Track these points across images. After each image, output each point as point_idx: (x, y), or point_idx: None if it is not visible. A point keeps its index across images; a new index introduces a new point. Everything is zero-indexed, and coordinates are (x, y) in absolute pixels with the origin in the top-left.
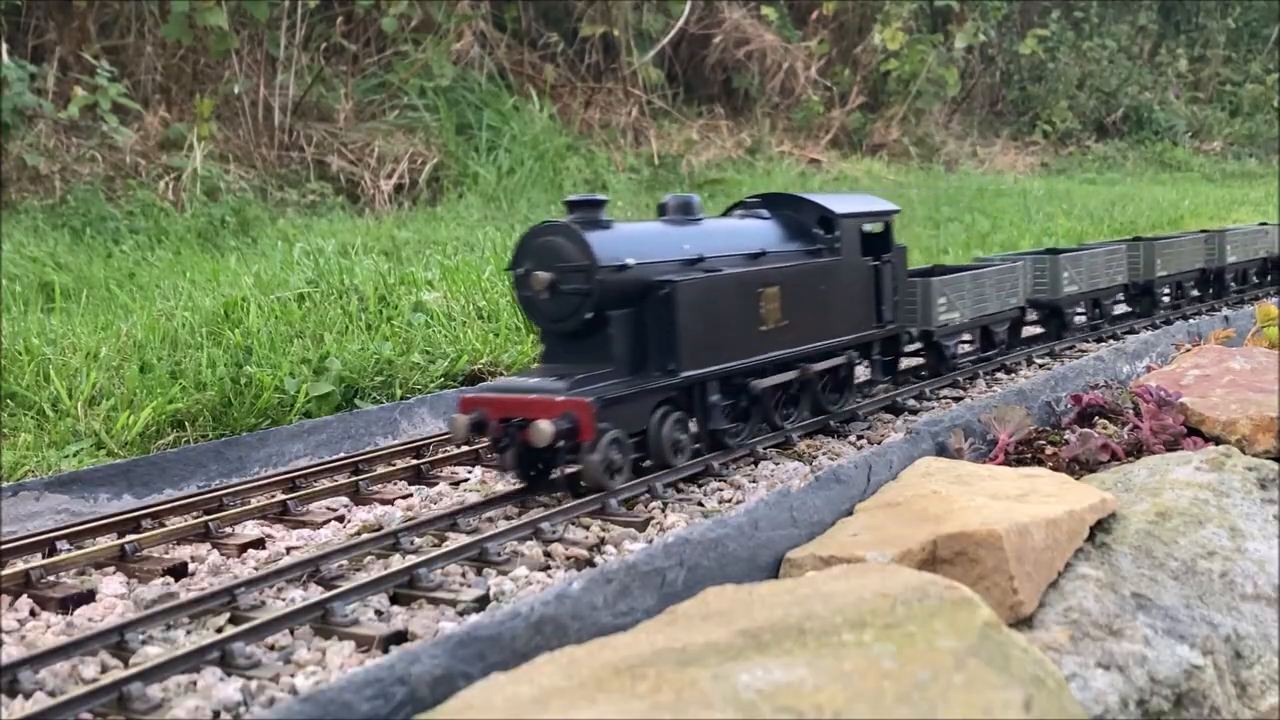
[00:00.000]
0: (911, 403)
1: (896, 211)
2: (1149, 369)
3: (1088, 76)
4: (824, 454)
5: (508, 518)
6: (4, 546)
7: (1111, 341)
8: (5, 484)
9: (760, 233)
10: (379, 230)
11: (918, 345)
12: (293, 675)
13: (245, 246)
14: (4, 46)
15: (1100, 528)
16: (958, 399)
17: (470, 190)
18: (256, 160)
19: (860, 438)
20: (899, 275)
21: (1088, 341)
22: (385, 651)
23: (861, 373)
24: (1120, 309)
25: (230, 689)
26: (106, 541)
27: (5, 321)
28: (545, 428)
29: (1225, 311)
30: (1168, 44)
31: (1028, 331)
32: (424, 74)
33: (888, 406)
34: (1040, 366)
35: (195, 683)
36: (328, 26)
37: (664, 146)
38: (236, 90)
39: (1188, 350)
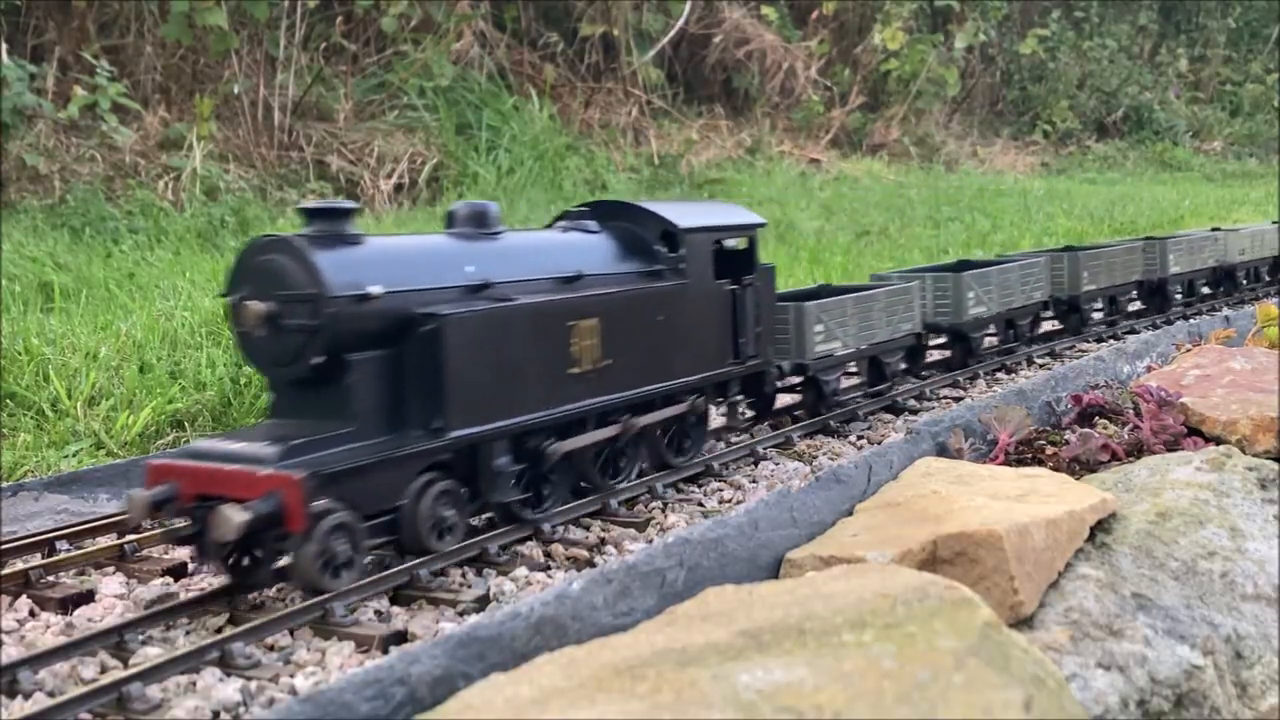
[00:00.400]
0: (912, 403)
1: (760, 225)
2: (1149, 369)
3: (1088, 76)
4: (824, 454)
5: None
6: (4, 546)
7: (1112, 342)
8: (5, 484)
9: (581, 250)
10: (379, 230)
11: (796, 381)
12: (292, 676)
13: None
14: (4, 46)
15: (1100, 528)
16: (958, 399)
17: (470, 190)
18: (256, 160)
19: (860, 438)
20: (764, 301)
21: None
22: (385, 652)
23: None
24: (1048, 325)
25: (230, 689)
26: (106, 541)
27: (5, 321)
28: (232, 517)
29: (1226, 311)
30: (1168, 44)
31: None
32: (424, 74)
33: (888, 406)
34: (1041, 366)
35: (195, 683)
36: (327, 26)
37: (664, 146)
38: (236, 90)
39: (1188, 350)
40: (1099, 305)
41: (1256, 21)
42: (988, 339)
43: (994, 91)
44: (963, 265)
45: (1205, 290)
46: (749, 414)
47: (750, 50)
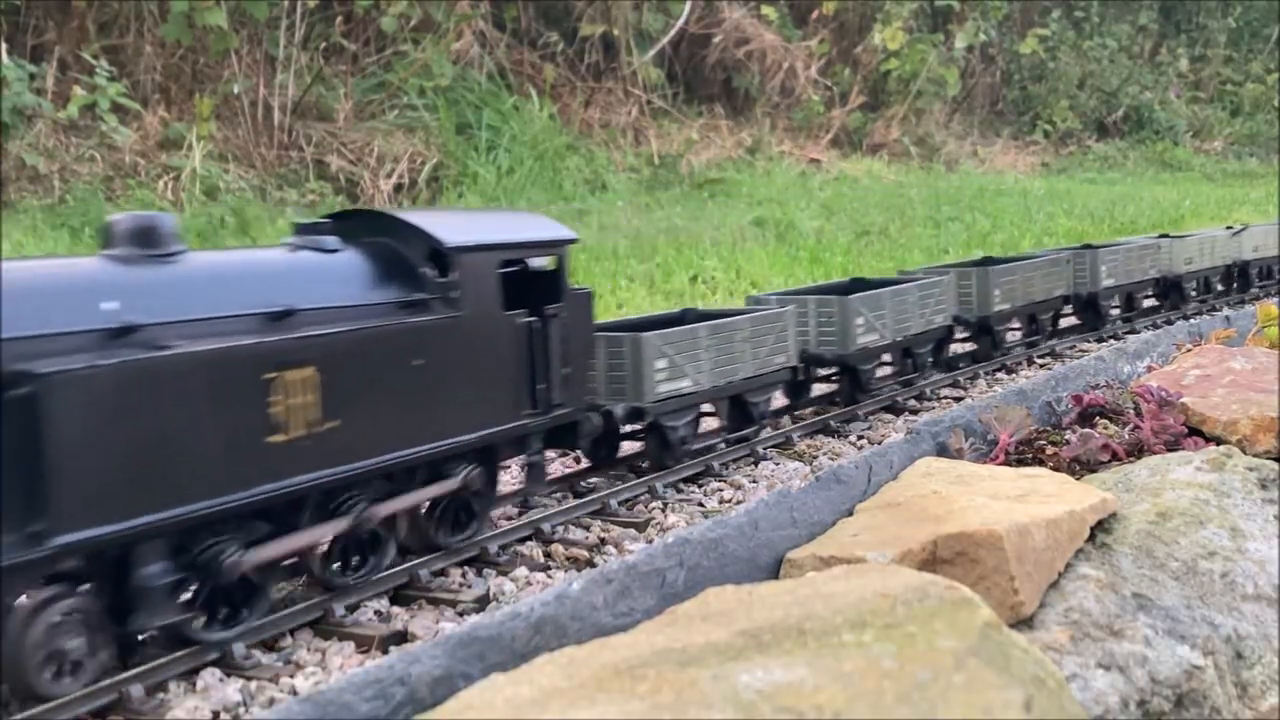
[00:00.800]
0: (912, 403)
1: (570, 241)
2: (1150, 369)
3: (1088, 76)
4: (824, 454)
5: (508, 518)
6: None
7: (1113, 342)
8: None
9: (302, 277)
10: None
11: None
12: (292, 676)
13: (245, 246)
14: (4, 46)
15: (1101, 528)
16: (958, 399)
17: (470, 190)
18: (256, 160)
19: (861, 438)
20: (576, 334)
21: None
22: (385, 652)
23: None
24: (963, 347)
25: (230, 689)
26: None
27: None
28: None
29: (1226, 312)
30: (1168, 43)
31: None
32: (424, 74)
33: (888, 406)
34: (1041, 366)
35: (195, 683)
36: (327, 26)
37: (664, 146)
38: (236, 90)
39: (1188, 350)
40: (1016, 325)
41: (1257, 21)
42: (883, 369)
43: (994, 91)
44: (856, 284)
45: (1150, 303)
46: (585, 464)
47: (750, 50)
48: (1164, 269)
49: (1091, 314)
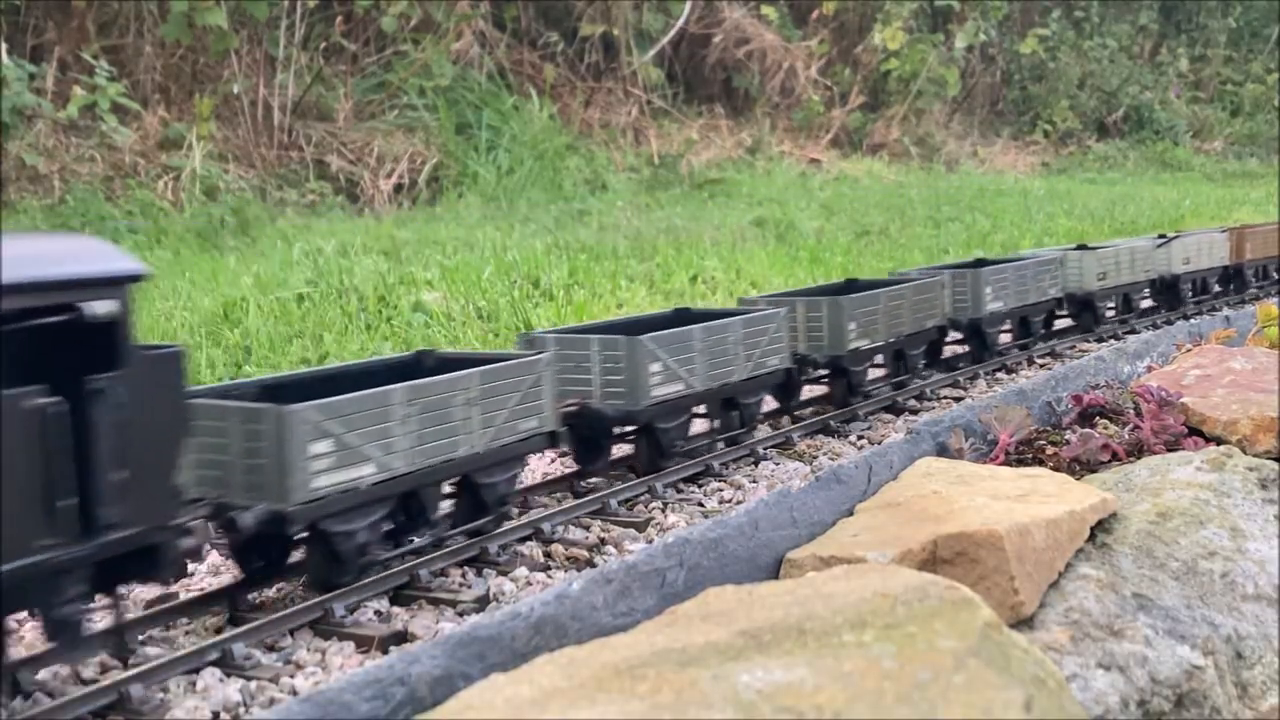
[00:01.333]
0: (912, 403)
1: (133, 277)
2: (1150, 369)
3: (1088, 76)
4: (824, 454)
5: (507, 517)
6: None
7: (1113, 341)
8: None
9: None
10: (379, 230)
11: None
12: (292, 676)
13: (244, 246)
14: (4, 46)
15: (1101, 528)
16: (958, 399)
17: (470, 190)
18: (256, 160)
19: (861, 438)
20: (147, 417)
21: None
22: (385, 652)
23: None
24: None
25: (230, 689)
26: None
27: None
28: None
29: (1226, 312)
30: (1168, 43)
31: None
32: (424, 74)
33: (888, 407)
34: (1041, 366)
35: (195, 683)
36: (327, 26)
37: (664, 146)
38: (236, 90)
39: (1188, 350)
40: (879, 360)
41: (1257, 21)
42: (698, 422)
43: (994, 91)
44: (680, 317)
45: (1063, 323)
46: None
47: (750, 50)
48: (1072, 286)
49: (976, 341)
